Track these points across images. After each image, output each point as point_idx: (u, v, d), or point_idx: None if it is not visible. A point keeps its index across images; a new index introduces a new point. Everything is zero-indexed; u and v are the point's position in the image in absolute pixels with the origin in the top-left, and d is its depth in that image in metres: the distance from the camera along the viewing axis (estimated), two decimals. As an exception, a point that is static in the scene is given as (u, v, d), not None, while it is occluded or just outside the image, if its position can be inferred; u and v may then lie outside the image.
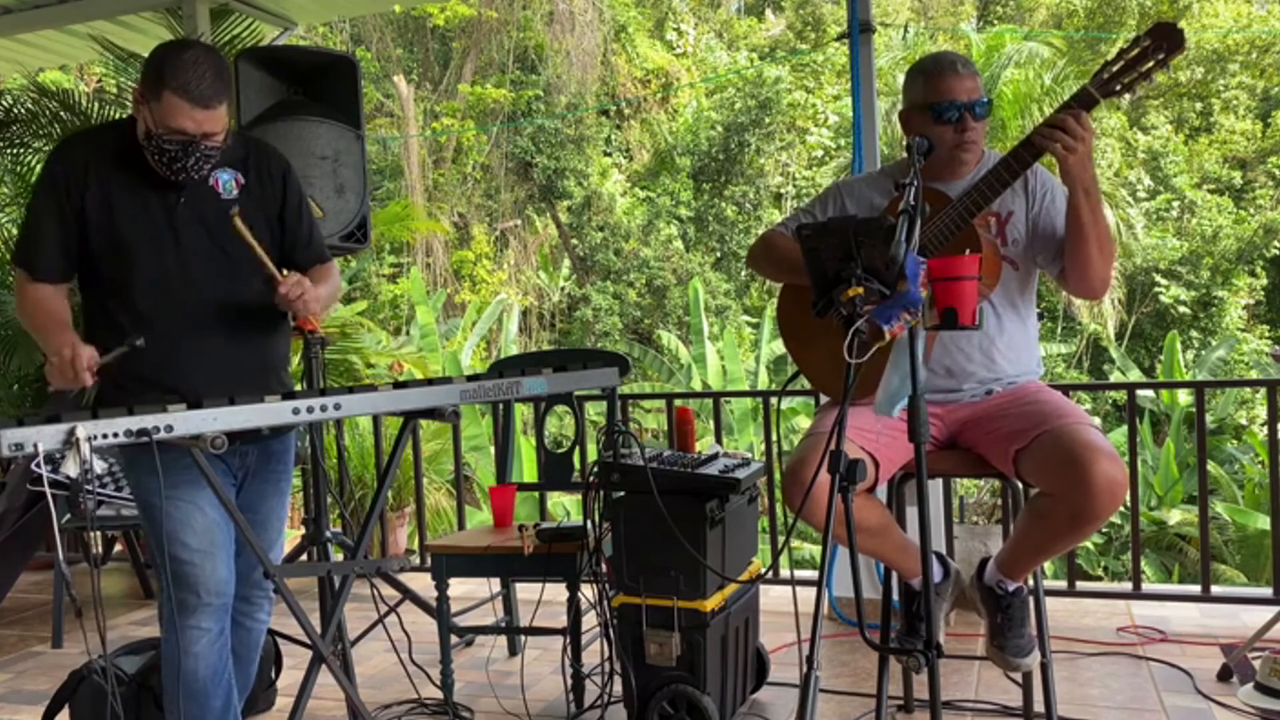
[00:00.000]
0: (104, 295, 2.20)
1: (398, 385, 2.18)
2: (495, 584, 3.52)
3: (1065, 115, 2.21)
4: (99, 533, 4.41)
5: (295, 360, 3.68)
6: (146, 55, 2.12)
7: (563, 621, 2.89)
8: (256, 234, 2.20)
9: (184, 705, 2.19)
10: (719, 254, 17.90)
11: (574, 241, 17.92)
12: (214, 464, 2.19)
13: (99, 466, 3.93)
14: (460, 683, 3.14)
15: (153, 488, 2.09)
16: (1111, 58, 2.26)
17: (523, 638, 3.47)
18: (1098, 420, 11.78)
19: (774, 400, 3.80)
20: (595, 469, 2.66)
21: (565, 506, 10.37)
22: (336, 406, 2.06)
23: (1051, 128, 2.22)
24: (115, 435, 1.80)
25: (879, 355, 1.90)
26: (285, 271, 2.29)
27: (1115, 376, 15.10)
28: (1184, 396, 12.92)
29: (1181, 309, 16.41)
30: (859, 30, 3.62)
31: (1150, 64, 2.21)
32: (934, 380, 2.42)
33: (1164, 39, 2.20)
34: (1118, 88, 2.25)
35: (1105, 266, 2.35)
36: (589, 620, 3.00)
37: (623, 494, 2.64)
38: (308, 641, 2.20)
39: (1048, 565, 2.73)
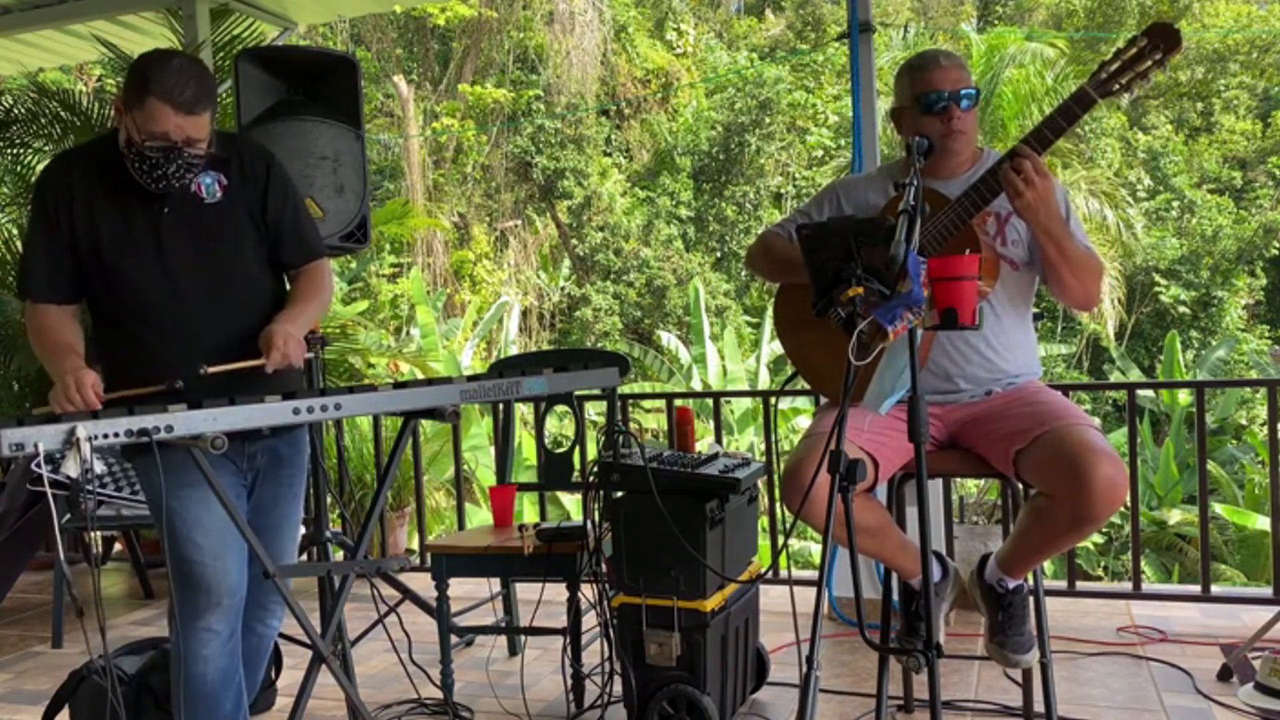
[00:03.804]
0: (99, 310, 2.21)
1: (398, 385, 2.18)
2: (495, 584, 3.52)
3: (1022, 158, 2.20)
4: (99, 533, 4.41)
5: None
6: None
7: (563, 621, 2.89)
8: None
9: (193, 709, 2.18)
10: (719, 254, 17.90)
11: (574, 241, 17.92)
12: (223, 466, 2.19)
13: (99, 467, 3.93)
14: (460, 683, 3.14)
15: (161, 487, 2.08)
16: (1109, 58, 2.26)
17: (523, 638, 3.47)
18: (1098, 421, 11.77)
19: (774, 400, 3.80)
20: (595, 469, 2.66)
21: (566, 508, 10.37)
22: (337, 406, 2.06)
23: (1010, 165, 2.20)
24: (115, 435, 1.81)
25: (876, 355, 1.90)
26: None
27: (1115, 376, 15.11)
28: (1184, 396, 12.93)
29: (1181, 309, 16.41)
30: (859, 30, 3.61)
31: (1148, 64, 2.21)
32: (933, 381, 2.42)
33: (1161, 39, 2.20)
34: (1115, 88, 2.25)
35: (1084, 290, 2.37)
36: (589, 620, 3.00)
37: (623, 494, 2.64)
38: (308, 641, 2.20)
39: (1048, 565, 2.73)
